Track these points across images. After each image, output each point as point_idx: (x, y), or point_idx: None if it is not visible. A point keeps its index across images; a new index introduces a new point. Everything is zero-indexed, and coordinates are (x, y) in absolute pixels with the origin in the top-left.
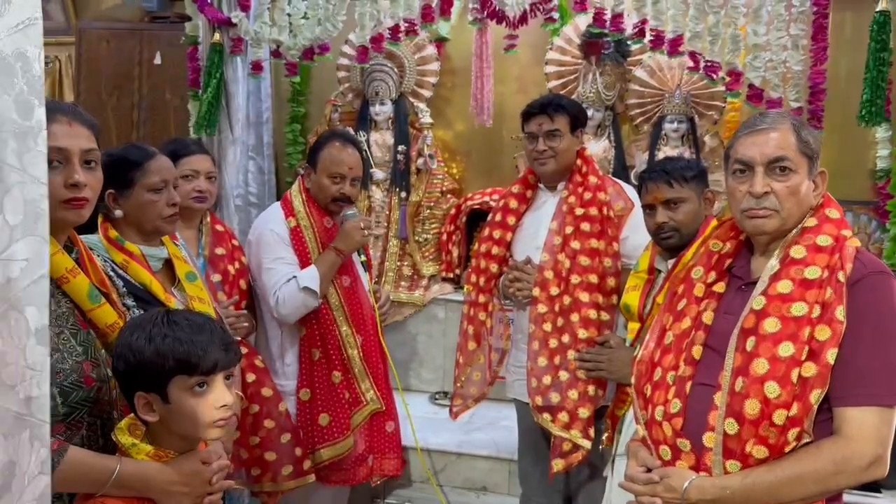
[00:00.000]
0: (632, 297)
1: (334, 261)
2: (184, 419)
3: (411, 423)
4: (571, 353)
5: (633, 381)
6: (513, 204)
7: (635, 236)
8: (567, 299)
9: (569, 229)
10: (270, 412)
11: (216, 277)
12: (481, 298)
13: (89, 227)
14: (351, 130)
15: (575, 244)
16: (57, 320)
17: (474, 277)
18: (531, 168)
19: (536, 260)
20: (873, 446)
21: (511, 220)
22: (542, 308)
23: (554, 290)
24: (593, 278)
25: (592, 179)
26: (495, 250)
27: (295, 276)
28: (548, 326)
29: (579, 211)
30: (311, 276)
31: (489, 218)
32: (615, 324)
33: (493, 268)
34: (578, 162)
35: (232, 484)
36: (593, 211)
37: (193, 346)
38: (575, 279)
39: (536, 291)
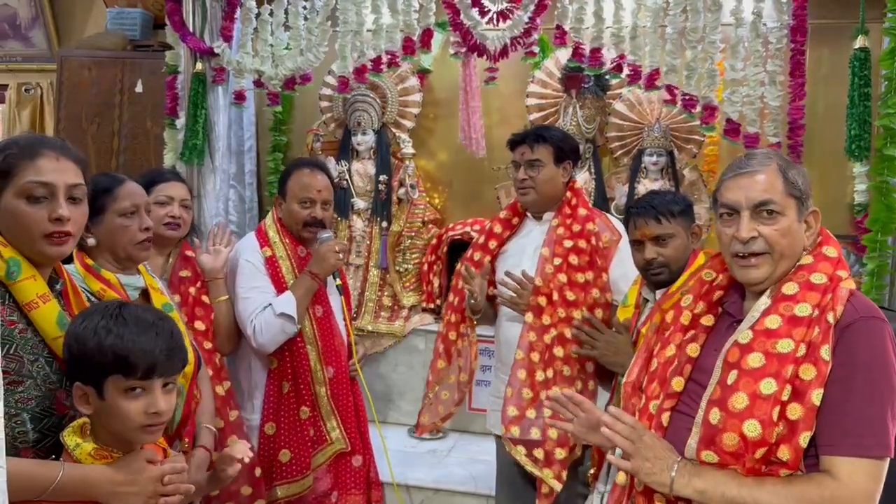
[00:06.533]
0: None
1: (310, 285)
2: (114, 418)
3: (388, 458)
4: (555, 390)
5: (621, 403)
6: (497, 229)
7: (622, 268)
8: (553, 332)
9: (557, 260)
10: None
11: (175, 298)
12: (454, 318)
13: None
14: (333, 160)
15: (562, 277)
16: (33, 349)
17: (451, 296)
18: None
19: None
20: (863, 499)
21: (492, 243)
22: (532, 336)
23: (546, 320)
24: (577, 314)
25: (582, 211)
26: (472, 272)
27: (270, 304)
28: (535, 356)
29: (568, 243)
30: (286, 302)
31: (474, 239)
32: None
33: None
34: (568, 194)
35: (191, 488)
36: (582, 243)
37: (134, 348)
38: (561, 313)
39: (530, 318)
